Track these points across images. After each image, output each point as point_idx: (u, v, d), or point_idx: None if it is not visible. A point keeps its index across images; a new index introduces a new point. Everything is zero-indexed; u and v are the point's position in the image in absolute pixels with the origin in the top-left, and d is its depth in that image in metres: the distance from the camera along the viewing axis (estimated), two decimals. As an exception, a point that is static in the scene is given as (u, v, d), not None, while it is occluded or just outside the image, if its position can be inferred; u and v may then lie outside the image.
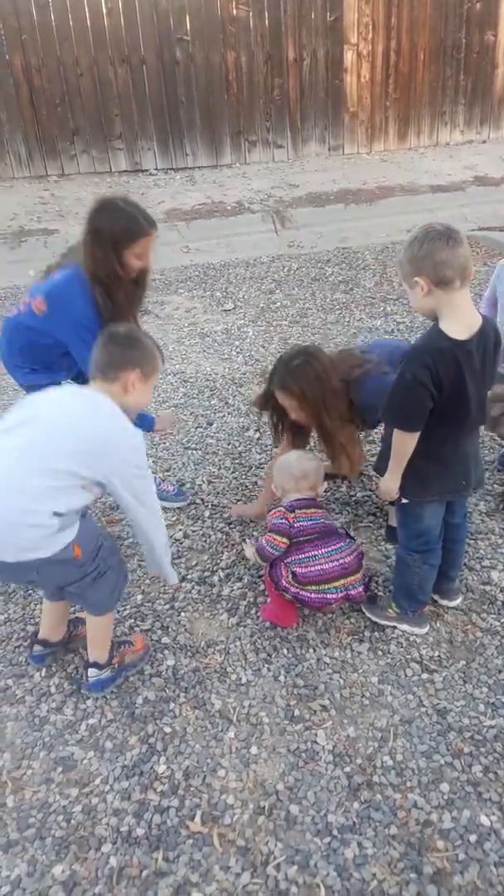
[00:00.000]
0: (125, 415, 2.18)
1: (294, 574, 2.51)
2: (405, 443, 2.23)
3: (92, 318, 2.66)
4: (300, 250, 6.59)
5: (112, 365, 2.21)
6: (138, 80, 8.19)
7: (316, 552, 2.53)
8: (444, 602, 2.70)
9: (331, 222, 7.11)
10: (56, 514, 2.07)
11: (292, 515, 2.58)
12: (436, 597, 2.69)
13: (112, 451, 2.12)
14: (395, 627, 2.59)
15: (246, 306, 5.43)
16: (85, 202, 7.51)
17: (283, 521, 2.57)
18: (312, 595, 2.51)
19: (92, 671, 2.39)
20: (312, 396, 2.77)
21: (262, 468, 3.52)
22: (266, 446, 3.68)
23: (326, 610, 2.61)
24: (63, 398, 2.23)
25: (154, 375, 2.31)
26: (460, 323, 2.08)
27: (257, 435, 3.80)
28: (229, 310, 5.38)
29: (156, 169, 8.54)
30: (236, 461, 3.61)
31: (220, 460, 3.61)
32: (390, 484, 2.35)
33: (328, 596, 2.52)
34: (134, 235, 2.62)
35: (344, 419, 2.86)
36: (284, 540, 2.54)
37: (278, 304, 5.46)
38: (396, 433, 2.24)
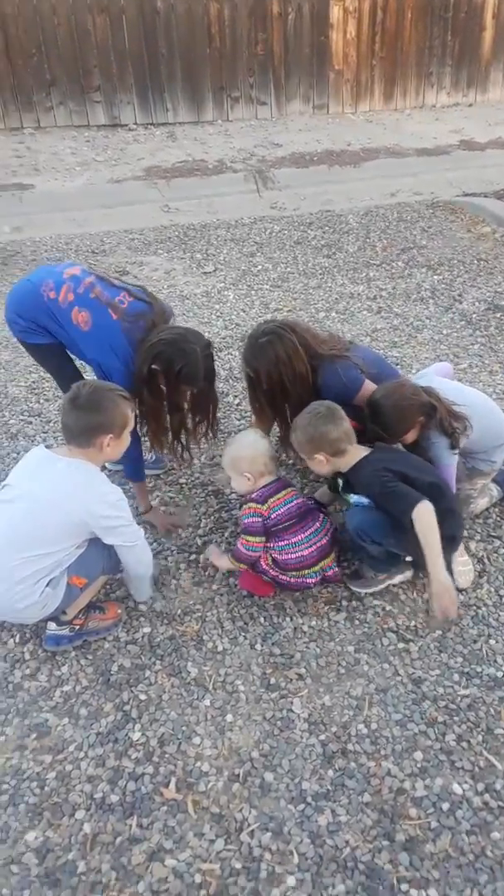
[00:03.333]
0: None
1: (274, 559, 2.49)
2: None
3: (121, 378, 2.63)
4: (282, 212, 6.47)
5: (82, 433, 2.29)
6: (117, 30, 7.90)
7: (295, 539, 2.50)
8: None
9: (314, 184, 6.97)
10: (49, 582, 2.28)
11: (265, 508, 2.51)
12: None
13: (96, 518, 2.27)
14: (388, 587, 2.62)
15: (227, 269, 5.33)
16: (61, 156, 7.31)
17: (257, 517, 2.50)
18: (292, 580, 2.50)
19: (52, 624, 2.39)
20: (269, 379, 2.69)
21: (241, 435, 3.48)
22: (245, 412, 3.64)
23: (302, 590, 2.60)
24: (42, 476, 2.30)
25: (128, 427, 2.38)
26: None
27: (237, 401, 3.75)
28: (209, 272, 5.28)
29: (135, 124, 8.30)
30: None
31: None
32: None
33: (307, 580, 2.52)
34: (189, 383, 2.66)
35: (301, 404, 2.79)
36: (260, 539, 2.51)
37: (259, 267, 5.36)
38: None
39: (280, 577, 2.50)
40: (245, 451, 2.61)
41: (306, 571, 2.50)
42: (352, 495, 2.55)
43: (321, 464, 2.54)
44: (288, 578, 2.50)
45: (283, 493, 2.56)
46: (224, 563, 2.62)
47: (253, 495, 2.55)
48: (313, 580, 2.52)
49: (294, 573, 2.49)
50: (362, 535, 2.47)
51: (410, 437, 2.64)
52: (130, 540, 2.37)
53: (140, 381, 2.60)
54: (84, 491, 2.26)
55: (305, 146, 7.87)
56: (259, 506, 2.52)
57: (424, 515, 2.29)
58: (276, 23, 8.43)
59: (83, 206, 6.39)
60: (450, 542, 2.52)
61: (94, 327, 2.65)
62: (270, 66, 8.62)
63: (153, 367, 2.58)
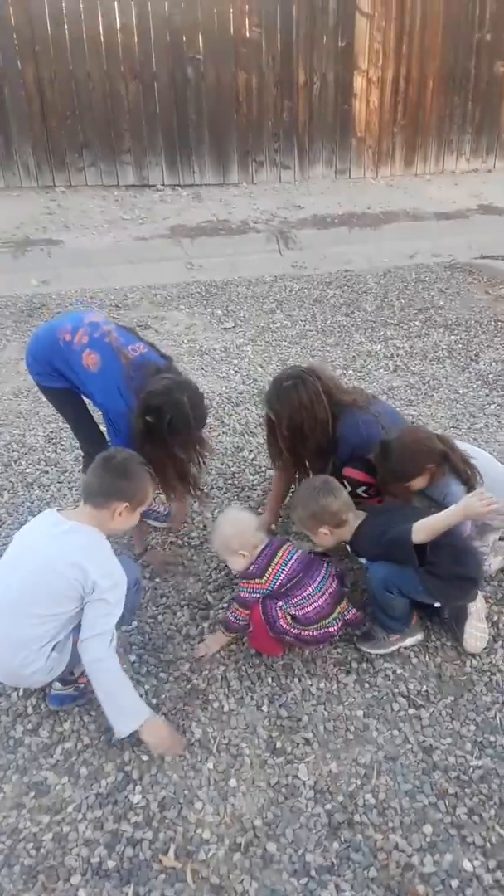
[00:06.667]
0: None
1: (294, 617, 2.45)
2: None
3: (125, 424, 2.65)
4: (303, 271, 6.58)
5: (102, 493, 2.27)
6: (149, 96, 8.21)
7: (307, 591, 2.46)
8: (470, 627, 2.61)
9: (334, 245, 7.11)
10: (54, 647, 2.23)
11: (265, 580, 2.47)
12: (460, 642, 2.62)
13: (90, 584, 2.18)
14: (400, 649, 2.58)
15: (246, 325, 5.41)
16: (90, 214, 7.53)
17: (256, 593, 2.48)
18: (315, 633, 2.46)
19: (56, 684, 2.34)
20: (289, 423, 2.71)
21: (256, 489, 3.47)
22: (260, 467, 3.64)
23: (327, 642, 2.55)
24: (45, 539, 2.27)
25: (143, 505, 2.36)
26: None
27: (251, 455, 3.76)
28: (229, 328, 5.36)
29: (163, 185, 8.55)
30: (229, 482, 3.56)
31: (212, 480, 3.56)
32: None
33: (329, 630, 2.48)
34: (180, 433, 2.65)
35: (319, 451, 2.78)
36: (249, 611, 2.50)
37: (279, 324, 5.43)
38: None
39: (303, 633, 2.45)
40: (230, 529, 2.54)
41: (325, 621, 2.46)
42: (361, 559, 2.56)
43: (325, 537, 2.55)
44: (311, 633, 2.45)
45: (281, 553, 2.52)
46: (216, 642, 2.58)
47: (250, 570, 2.50)
48: (335, 628, 2.48)
49: (315, 626, 2.45)
50: (390, 586, 2.44)
51: (418, 483, 2.61)
52: (101, 627, 2.17)
53: (139, 433, 2.61)
54: (85, 556, 2.19)
55: (327, 209, 8.05)
56: (259, 581, 2.48)
57: (419, 528, 2.36)
58: (302, 92, 8.72)
59: (109, 261, 6.55)
60: (468, 584, 2.50)
61: (101, 369, 2.66)
62: (295, 132, 8.88)
63: (147, 419, 2.58)
